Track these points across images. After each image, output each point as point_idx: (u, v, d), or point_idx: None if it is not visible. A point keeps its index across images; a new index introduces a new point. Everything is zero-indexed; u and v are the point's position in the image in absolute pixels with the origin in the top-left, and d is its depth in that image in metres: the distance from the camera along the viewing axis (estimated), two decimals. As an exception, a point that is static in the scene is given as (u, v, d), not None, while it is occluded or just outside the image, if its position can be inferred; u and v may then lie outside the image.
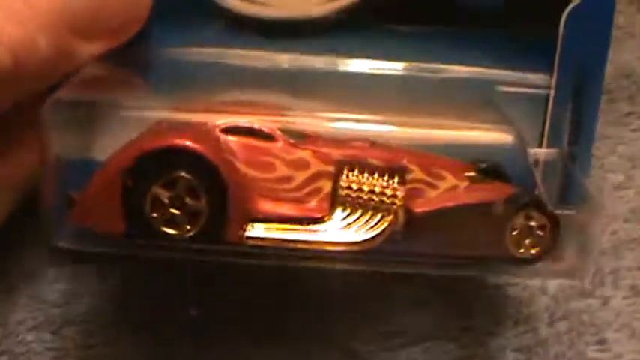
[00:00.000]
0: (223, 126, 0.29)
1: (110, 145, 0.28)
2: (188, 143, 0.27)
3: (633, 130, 0.38)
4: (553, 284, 0.36)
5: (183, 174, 0.27)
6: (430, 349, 0.35)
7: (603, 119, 0.34)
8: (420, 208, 0.29)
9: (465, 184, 0.29)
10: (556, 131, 0.32)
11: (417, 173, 0.29)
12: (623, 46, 0.37)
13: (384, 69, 0.31)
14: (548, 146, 0.32)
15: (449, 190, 0.29)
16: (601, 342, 0.35)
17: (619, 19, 0.31)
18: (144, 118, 0.29)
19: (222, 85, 0.31)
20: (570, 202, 0.31)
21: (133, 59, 0.31)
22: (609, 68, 0.33)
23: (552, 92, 0.32)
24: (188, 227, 0.27)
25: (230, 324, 0.35)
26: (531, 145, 0.31)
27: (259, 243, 0.28)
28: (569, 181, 0.32)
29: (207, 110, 0.29)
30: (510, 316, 0.35)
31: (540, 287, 0.36)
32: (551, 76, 0.31)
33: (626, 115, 0.38)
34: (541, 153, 0.32)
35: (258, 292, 0.35)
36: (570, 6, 0.31)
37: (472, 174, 0.30)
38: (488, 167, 0.30)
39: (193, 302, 0.35)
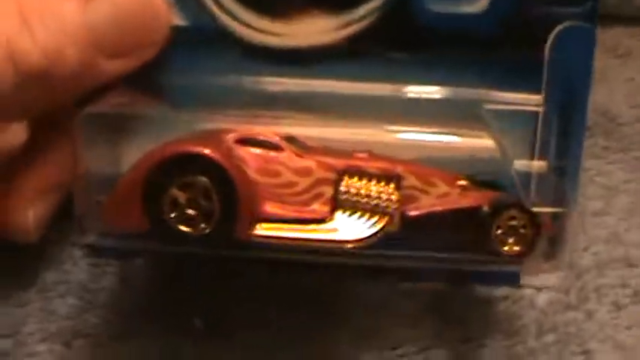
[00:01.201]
0: (236, 137, 0.32)
1: (135, 154, 0.31)
2: (204, 150, 0.30)
3: (609, 163, 0.42)
4: (541, 299, 0.38)
5: (198, 177, 0.30)
6: (428, 358, 0.37)
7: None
8: (413, 210, 0.32)
9: (457, 191, 0.32)
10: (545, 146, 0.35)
11: (411, 180, 0.32)
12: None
13: (380, 91, 0.35)
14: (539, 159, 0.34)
15: (441, 196, 0.32)
16: (586, 353, 0.37)
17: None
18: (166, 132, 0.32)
19: (236, 106, 0.34)
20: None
21: (155, 84, 0.34)
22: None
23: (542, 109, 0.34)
24: (202, 226, 0.30)
25: (235, 336, 0.37)
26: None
27: (265, 241, 0.31)
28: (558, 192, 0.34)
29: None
30: (502, 329, 0.37)
31: (529, 301, 0.38)
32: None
33: (603, 149, 0.42)
34: (532, 165, 0.34)
35: (263, 302, 0.38)
36: (555, 30, 0.34)
37: (463, 183, 0.33)
38: (483, 180, 0.33)
39: (198, 314, 0.37)
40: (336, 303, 0.38)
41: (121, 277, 0.38)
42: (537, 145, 0.34)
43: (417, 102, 0.34)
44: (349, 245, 0.31)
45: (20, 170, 0.35)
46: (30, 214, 0.35)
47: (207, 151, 0.30)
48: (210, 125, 0.32)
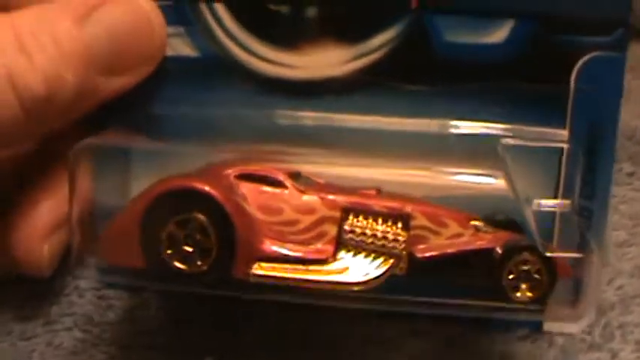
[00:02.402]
0: (237, 172, 0.31)
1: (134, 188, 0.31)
2: (201, 186, 0.29)
3: (635, 190, 0.39)
4: (562, 337, 0.36)
5: (195, 214, 0.29)
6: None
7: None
8: (422, 252, 0.30)
9: (469, 232, 0.31)
10: (570, 185, 0.33)
11: (421, 220, 0.30)
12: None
13: (394, 125, 0.33)
14: (563, 198, 0.33)
15: (452, 237, 0.31)
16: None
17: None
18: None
19: (248, 138, 0.33)
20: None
21: (164, 115, 0.34)
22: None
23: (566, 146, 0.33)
24: (199, 263, 0.29)
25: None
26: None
27: (264, 281, 0.30)
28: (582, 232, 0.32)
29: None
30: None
31: (549, 341, 0.36)
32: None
33: (629, 175, 0.39)
34: (553, 204, 0.32)
35: (274, 340, 0.36)
36: (581, 61, 0.32)
37: (477, 223, 0.31)
38: (502, 219, 0.31)
39: (208, 352, 0.36)
40: (347, 342, 0.36)
41: (128, 311, 0.37)
42: (561, 184, 0.32)
43: (433, 135, 0.33)
44: (353, 288, 0.29)
45: (33, 204, 0.35)
46: (45, 249, 0.35)
47: (204, 187, 0.29)
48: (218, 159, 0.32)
